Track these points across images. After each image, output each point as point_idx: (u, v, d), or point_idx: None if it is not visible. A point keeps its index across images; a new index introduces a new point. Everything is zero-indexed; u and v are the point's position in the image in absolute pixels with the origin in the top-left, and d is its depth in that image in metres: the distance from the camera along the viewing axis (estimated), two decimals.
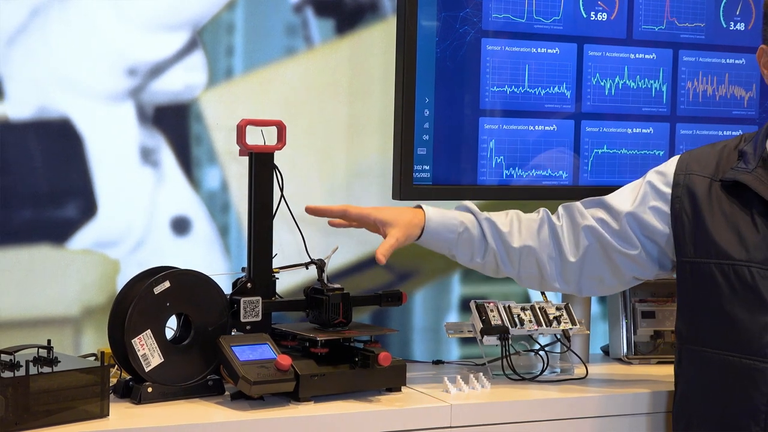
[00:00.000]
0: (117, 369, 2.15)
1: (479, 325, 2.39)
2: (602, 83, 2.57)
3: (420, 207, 2.26)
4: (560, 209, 2.31)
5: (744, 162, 2.14)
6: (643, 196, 2.24)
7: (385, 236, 2.20)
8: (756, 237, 2.08)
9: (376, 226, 2.22)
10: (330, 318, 2.21)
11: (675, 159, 2.26)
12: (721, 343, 2.12)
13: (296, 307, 2.30)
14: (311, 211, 2.23)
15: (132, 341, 2.07)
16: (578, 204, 2.30)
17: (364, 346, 2.21)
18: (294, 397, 2.12)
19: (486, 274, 2.32)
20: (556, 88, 2.53)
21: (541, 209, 2.32)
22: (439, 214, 2.24)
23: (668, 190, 2.22)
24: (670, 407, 2.29)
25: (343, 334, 2.22)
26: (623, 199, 2.27)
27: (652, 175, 2.26)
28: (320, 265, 2.27)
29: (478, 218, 2.27)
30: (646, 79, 2.61)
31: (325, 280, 2.26)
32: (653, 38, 2.61)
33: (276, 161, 2.25)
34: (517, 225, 2.28)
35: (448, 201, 2.67)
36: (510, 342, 2.39)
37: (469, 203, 2.30)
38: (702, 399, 2.16)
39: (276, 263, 2.26)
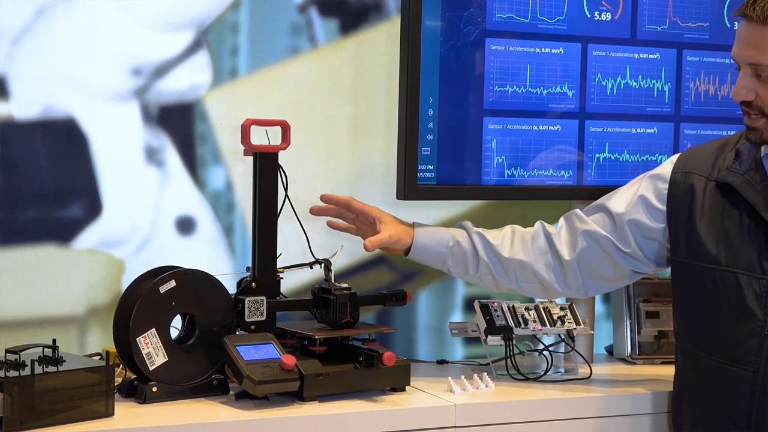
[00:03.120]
0: (122, 368, 2.15)
1: (483, 325, 2.39)
2: (606, 83, 2.57)
3: (413, 223, 2.33)
4: (561, 219, 2.34)
5: (738, 163, 2.12)
6: (640, 197, 2.25)
7: (378, 232, 2.28)
8: (742, 243, 2.07)
9: (373, 223, 2.30)
10: (337, 318, 2.22)
11: (674, 157, 2.27)
12: (707, 346, 2.12)
13: (300, 306, 2.30)
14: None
15: (137, 339, 2.08)
16: (578, 211, 2.33)
17: (366, 345, 2.21)
18: (298, 396, 2.13)
19: (487, 287, 2.38)
20: (559, 88, 2.53)
21: (538, 222, 2.35)
22: (430, 230, 2.33)
23: (665, 188, 2.22)
24: None
25: (341, 332, 2.23)
26: (620, 201, 2.28)
27: (648, 174, 2.27)
28: (327, 264, 2.28)
29: (469, 233, 2.32)
30: (649, 79, 2.61)
31: (332, 280, 2.26)
32: (657, 38, 2.61)
33: (280, 161, 2.25)
34: (510, 237, 2.32)
35: (452, 201, 2.68)
36: (514, 342, 2.40)
37: (466, 222, 2.35)
38: (691, 398, 2.16)
39: (280, 263, 2.26)
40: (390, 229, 2.28)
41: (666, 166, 2.25)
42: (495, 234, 2.32)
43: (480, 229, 2.32)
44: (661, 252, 2.26)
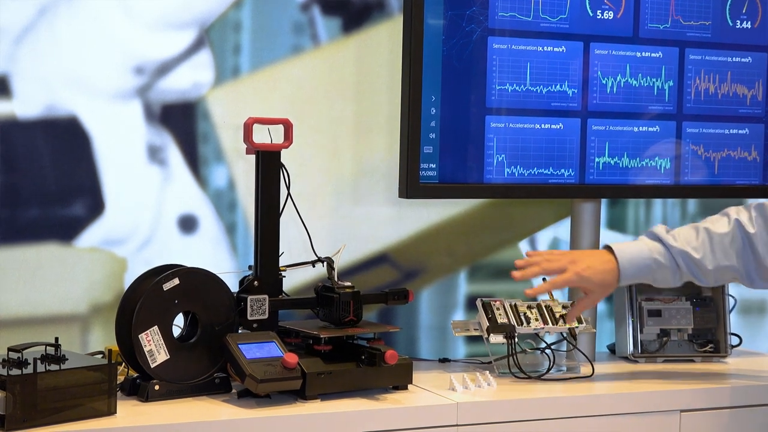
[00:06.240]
0: (124, 367, 2.16)
1: (485, 324, 2.39)
2: (608, 81, 2.57)
3: (610, 250, 2.31)
4: (753, 211, 2.29)
5: None
6: None
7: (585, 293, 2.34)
8: None
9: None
10: (341, 316, 2.22)
11: None
12: None
13: (303, 305, 2.30)
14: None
15: (139, 336, 2.08)
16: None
17: (369, 344, 2.21)
18: (301, 395, 2.13)
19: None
20: (560, 87, 2.53)
21: (732, 217, 2.30)
22: (630, 256, 2.30)
23: None
24: (676, 405, 2.29)
25: (347, 331, 2.23)
26: None
27: None
28: (330, 263, 2.28)
29: (670, 250, 2.29)
30: (649, 77, 2.61)
31: (336, 278, 2.26)
32: (659, 36, 2.61)
33: (283, 159, 2.25)
34: (709, 246, 2.29)
35: (454, 199, 2.68)
36: (516, 340, 2.40)
37: (659, 229, 2.32)
38: None
39: (283, 261, 2.26)
40: (595, 298, 2.33)
41: None
42: (694, 244, 2.29)
43: (679, 242, 2.29)
44: None
